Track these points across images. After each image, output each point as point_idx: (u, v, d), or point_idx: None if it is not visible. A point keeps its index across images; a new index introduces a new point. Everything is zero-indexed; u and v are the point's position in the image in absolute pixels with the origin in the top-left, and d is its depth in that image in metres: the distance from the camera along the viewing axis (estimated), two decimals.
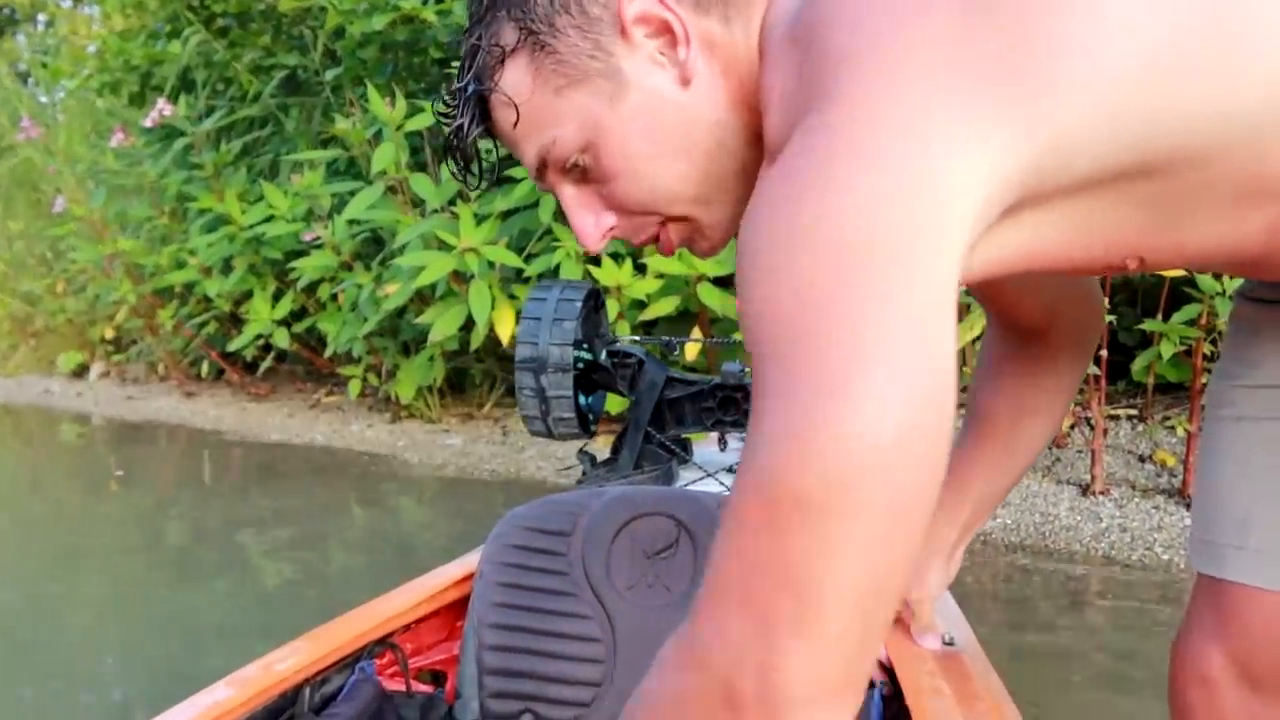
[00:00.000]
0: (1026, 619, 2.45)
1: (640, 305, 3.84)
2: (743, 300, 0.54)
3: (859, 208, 0.52)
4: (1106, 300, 3.02)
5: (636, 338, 1.96)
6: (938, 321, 0.51)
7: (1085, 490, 3.16)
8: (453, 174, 0.77)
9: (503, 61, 0.70)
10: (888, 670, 1.06)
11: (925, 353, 0.50)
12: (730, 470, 1.66)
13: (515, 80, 0.70)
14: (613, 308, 3.73)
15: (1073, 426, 3.43)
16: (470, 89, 0.72)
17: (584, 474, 1.64)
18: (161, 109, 5.48)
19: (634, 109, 0.69)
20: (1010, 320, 0.99)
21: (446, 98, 0.75)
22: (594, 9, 0.68)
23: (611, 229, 0.75)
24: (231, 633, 2.52)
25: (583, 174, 0.72)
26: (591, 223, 0.74)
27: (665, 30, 0.68)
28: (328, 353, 5.21)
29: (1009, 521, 3.08)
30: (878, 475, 0.49)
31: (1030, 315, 0.97)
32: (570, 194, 0.74)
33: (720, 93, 0.69)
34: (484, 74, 0.71)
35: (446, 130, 0.75)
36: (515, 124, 0.71)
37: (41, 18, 9.73)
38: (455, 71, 0.75)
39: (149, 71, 6.22)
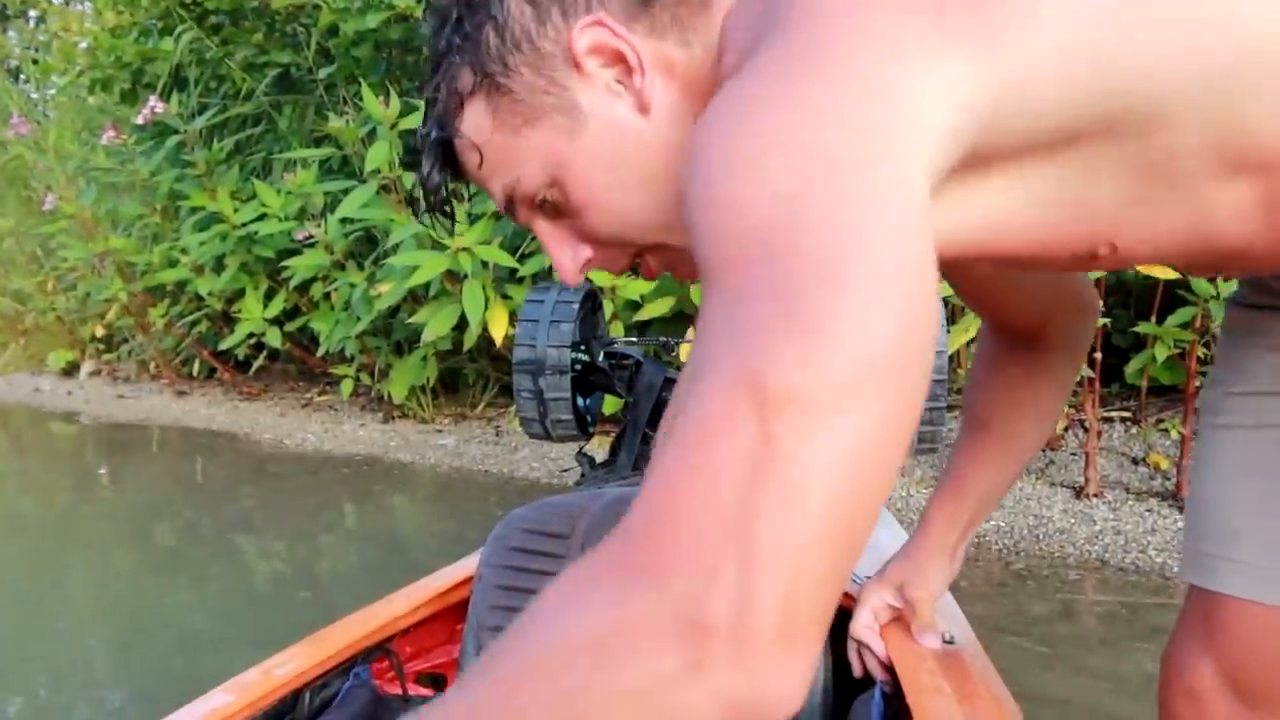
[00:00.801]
0: (1019, 622, 2.46)
1: (635, 306, 3.84)
2: (704, 203, 0.51)
3: (831, 112, 0.50)
4: (1100, 303, 3.03)
5: (633, 339, 1.95)
6: (918, 231, 0.50)
7: (1079, 493, 3.17)
8: (420, 221, 0.77)
9: (461, 105, 0.70)
10: (889, 669, 1.06)
11: (913, 259, 0.49)
12: None
13: (475, 123, 0.70)
14: (607, 309, 3.73)
15: (1066, 429, 3.44)
16: (433, 136, 0.72)
17: (582, 475, 1.64)
18: (153, 106, 5.44)
19: (594, 142, 0.68)
20: (1004, 323, 0.99)
21: (413, 145, 0.75)
22: (545, 44, 0.68)
23: (589, 260, 0.74)
24: (223, 634, 2.51)
25: (554, 209, 0.72)
26: (568, 256, 0.74)
27: (619, 60, 0.67)
28: (320, 352, 5.19)
29: (1003, 524, 3.09)
30: (876, 380, 0.46)
31: (1023, 318, 0.97)
32: (544, 229, 0.74)
33: (683, 116, 0.68)
34: (445, 120, 0.71)
35: (414, 179, 0.75)
36: (479, 165, 0.71)
37: (33, 14, 9.68)
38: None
39: (141, 68, 6.19)
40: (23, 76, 9.87)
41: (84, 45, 6.58)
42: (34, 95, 9.35)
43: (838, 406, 0.45)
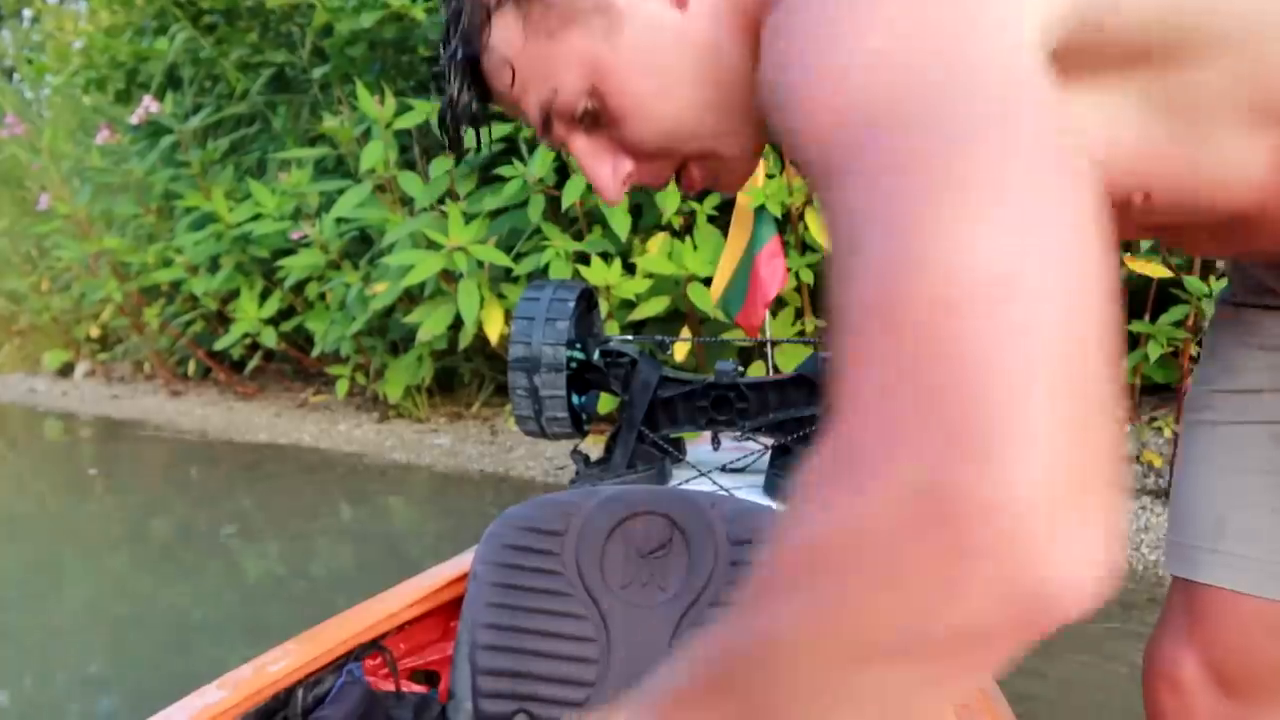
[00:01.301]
0: None
1: (630, 305, 3.84)
2: (811, 83, 0.47)
3: None
4: None
5: (629, 337, 1.95)
6: (1054, 102, 0.45)
7: None
8: (448, 148, 0.73)
9: (489, 18, 0.67)
10: None
11: (1055, 122, 0.43)
12: (724, 469, 1.66)
13: (505, 35, 0.67)
14: (602, 308, 3.73)
15: None
16: (459, 54, 0.68)
17: (577, 474, 1.64)
18: (148, 106, 5.44)
19: (632, 41, 0.65)
20: None
21: (437, 68, 0.71)
22: None
23: (630, 175, 0.71)
24: (218, 632, 2.51)
25: (593, 120, 0.68)
26: (608, 172, 0.70)
27: None
28: (315, 352, 5.18)
29: None
30: (1061, 262, 0.39)
31: None
32: (582, 145, 0.70)
33: (720, 10, 0.65)
34: (471, 35, 0.68)
35: (440, 103, 0.71)
36: (512, 82, 0.68)
37: (27, 13, 9.67)
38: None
39: (135, 68, 6.19)
40: (17, 76, 9.85)
41: (78, 45, 6.57)
42: (29, 95, 9.33)
43: (1028, 288, 0.38)
